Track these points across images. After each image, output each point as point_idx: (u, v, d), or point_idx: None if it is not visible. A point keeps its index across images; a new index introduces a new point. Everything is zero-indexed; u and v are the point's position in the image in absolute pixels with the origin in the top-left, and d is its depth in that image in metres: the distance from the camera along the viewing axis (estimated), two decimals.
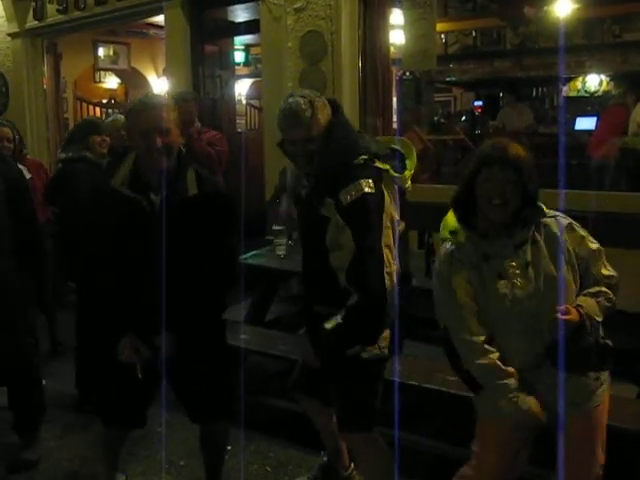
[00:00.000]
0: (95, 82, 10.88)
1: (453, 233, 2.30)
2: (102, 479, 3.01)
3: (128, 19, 7.75)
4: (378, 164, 2.47)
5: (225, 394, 2.81)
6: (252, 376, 3.98)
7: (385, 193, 2.45)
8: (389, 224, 2.43)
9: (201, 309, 2.59)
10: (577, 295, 2.22)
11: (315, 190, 2.47)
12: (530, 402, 2.21)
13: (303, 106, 2.40)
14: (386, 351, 2.53)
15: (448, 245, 2.32)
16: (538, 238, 2.20)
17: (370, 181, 2.39)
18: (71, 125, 9.31)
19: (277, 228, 4.37)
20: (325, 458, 3.14)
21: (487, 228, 2.23)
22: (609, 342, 2.26)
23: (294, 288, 4.92)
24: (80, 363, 4.09)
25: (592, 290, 2.23)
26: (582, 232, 2.25)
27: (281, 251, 4.26)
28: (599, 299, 2.21)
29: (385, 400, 2.61)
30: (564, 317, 2.10)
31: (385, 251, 2.39)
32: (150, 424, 3.60)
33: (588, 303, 2.19)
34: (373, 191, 2.38)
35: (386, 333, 2.51)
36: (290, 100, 2.43)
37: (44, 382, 4.05)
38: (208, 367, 2.67)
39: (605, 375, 2.31)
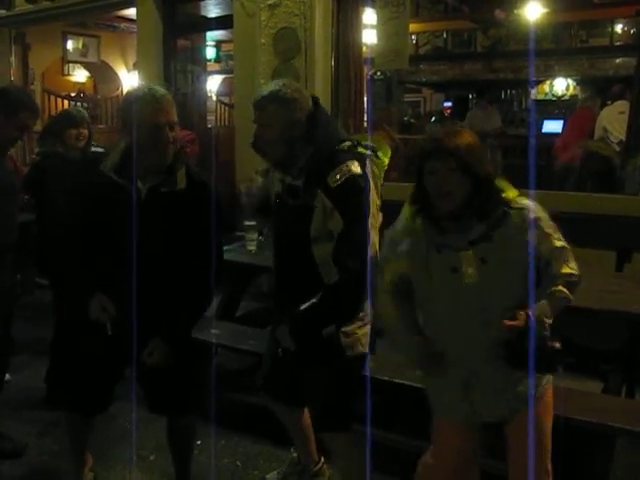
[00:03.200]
0: (64, 75, 10.74)
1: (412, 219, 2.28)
2: (70, 475, 2.99)
3: (99, 11, 7.69)
4: (361, 150, 2.48)
5: (191, 387, 2.78)
6: (223, 371, 3.97)
7: (370, 178, 2.45)
8: (373, 209, 2.44)
9: (184, 307, 2.59)
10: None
11: (306, 183, 2.43)
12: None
13: (288, 88, 2.43)
14: (367, 348, 2.54)
15: (405, 232, 2.30)
16: (497, 232, 2.15)
17: (357, 163, 2.39)
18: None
19: (248, 223, 4.36)
20: (295, 454, 3.15)
21: (443, 221, 2.21)
22: (557, 345, 2.23)
23: (264, 284, 4.92)
24: (55, 358, 4.03)
25: (547, 290, 2.20)
26: (548, 229, 2.19)
27: (252, 246, 4.25)
28: (552, 300, 2.19)
29: (360, 398, 2.61)
30: (509, 323, 2.08)
31: (372, 233, 2.40)
32: (119, 420, 3.63)
33: (540, 305, 2.16)
34: (361, 172, 2.38)
35: (366, 329, 2.52)
36: (273, 84, 2.48)
37: (9, 377, 4.01)
38: (174, 359, 2.64)
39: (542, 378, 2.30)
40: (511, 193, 2.20)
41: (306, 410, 2.91)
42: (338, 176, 2.34)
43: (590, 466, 2.78)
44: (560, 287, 2.19)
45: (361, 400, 2.49)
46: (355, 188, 2.35)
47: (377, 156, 2.59)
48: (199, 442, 3.13)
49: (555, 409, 2.37)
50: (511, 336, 2.11)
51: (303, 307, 2.38)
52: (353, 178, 2.35)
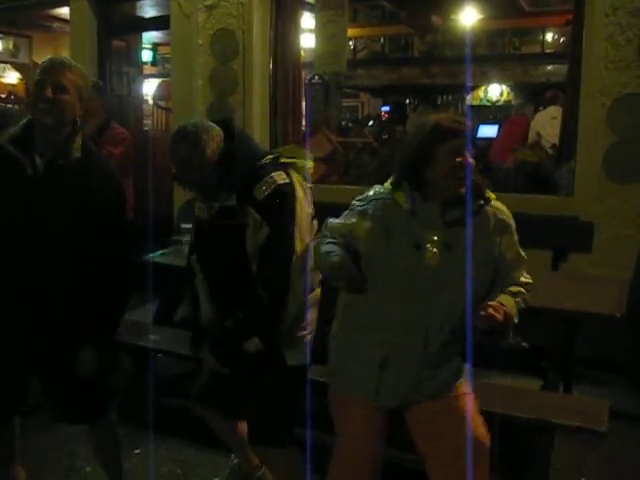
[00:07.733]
0: None
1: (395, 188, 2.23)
2: None
3: (30, 9, 7.46)
4: (284, 159, 2.49)
5: (95, 394, 2.59)
6: (162, 377, 3.89)
7: (297, 186, 2.45)
8: (303, 217, 2.43)
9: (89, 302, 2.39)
10: (490, 293, 2.20)
11: (238, 202, 2.39)
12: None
13: (191, 129, 2.36)
14: (308, 358, 2.50)
15: (377, 195, 2.26)
16: (473, 220, 2.14)
17: (281, 173, 2.40)
18: None
19: (185, 226, 4.28)
20: (236, 460, 3.09)
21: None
22: (525, 344, 2.31)
23: None
24: None
25: (512, 289, 2.21)
26: (516, 237, 2.23)
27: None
28: (517, 299, 2.20)
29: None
30: (495, 314, 2.04)
31: (298, 244, 2.39)
32: (54, 430, 3.50)
33: (509, 303, 2.16)
34: (287, 181, 2.40)
35: (307, 339, 2.50)
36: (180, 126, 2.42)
37: None
38: (110, 363, 2.55)
39: (464, 371, 2.30)
40: (492, 195, 2.22)
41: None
42: (264, 187, 2.35)
43: (530, 461, 2.82)
44: (522, 289, 2.23)
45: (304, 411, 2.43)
46: (282, 197, 2.36)
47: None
48: (138, 450, 3.04)
49: (495, 406, 2.39)
50: (490, 331, 2.08)
51: (227, 324, 2.40)
52: (279, 188, 2.36)
